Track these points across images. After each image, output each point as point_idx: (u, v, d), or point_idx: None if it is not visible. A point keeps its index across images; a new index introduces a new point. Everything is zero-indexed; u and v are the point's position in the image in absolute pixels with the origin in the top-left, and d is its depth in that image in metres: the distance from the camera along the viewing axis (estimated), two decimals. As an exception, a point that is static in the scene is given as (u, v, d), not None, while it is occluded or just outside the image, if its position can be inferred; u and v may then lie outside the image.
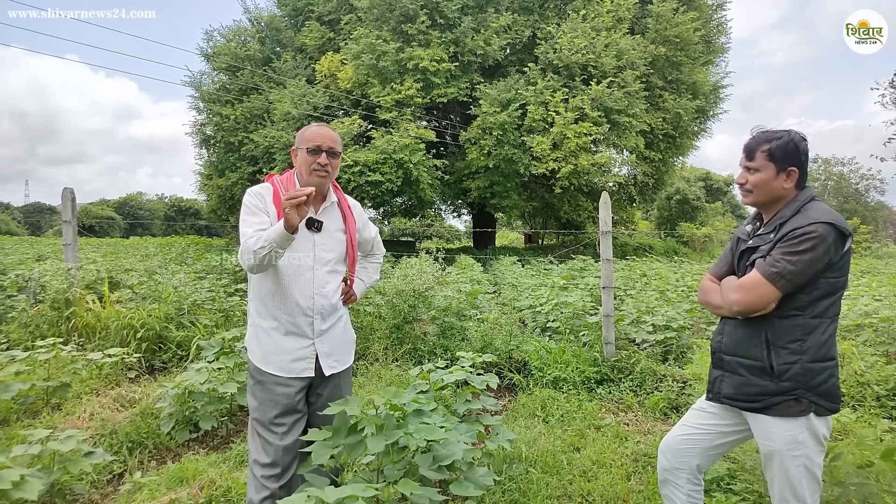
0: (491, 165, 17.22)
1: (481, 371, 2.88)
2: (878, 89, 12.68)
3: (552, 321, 5.54)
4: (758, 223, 1.84)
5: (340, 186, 2.19)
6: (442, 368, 2.81)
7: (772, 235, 1.71)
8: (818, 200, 1.73)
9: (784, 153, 1.71)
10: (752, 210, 1.91)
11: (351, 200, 2.22)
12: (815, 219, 1.63)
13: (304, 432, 2.03)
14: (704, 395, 1.95)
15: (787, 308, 1.67)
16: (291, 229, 1.76)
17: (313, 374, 2.01)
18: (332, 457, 1.79)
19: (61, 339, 3.85)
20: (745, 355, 1.75)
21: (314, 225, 1.99)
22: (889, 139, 11.88)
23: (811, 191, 1.75)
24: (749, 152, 1.77)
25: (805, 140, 1.74)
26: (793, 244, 1.63)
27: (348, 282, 2.17)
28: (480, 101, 16.88)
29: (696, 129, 20.09)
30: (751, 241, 1.80)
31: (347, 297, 2.17)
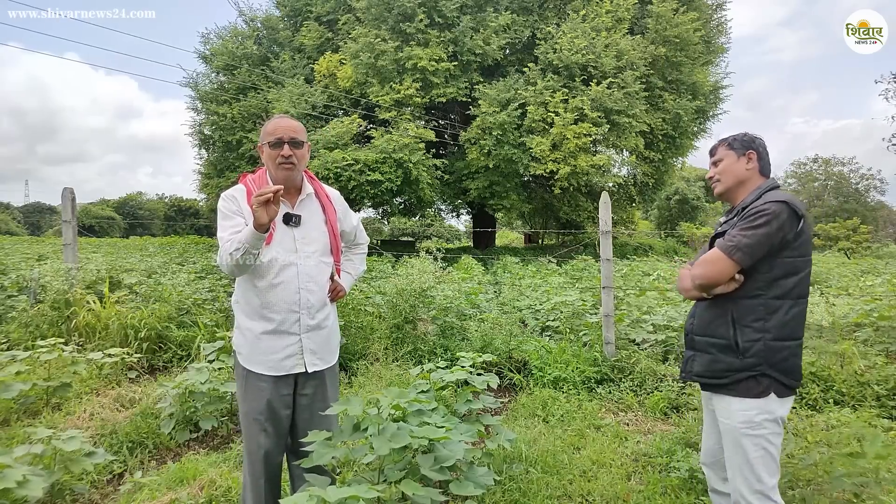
0: (490, 165, 17.22)
1: (481, 371, 2.88)
2: (882, 83, 12.53)
3: (552, 321, 5.55)
4: (730, 214, 1.98)
5: (341, 185, 2.17)
6: (442, 368, 2.81)
7: (735, 219, 1.85)
8: (780, 189, 1.86)
9: (741, 142, 1.93)
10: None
11: (329, 189, 2.17)
12: (770, 199, 1.77)
13: (292, 430, 2.04)
14: (702, 394, 2.03)
15: (750, 288, 1.78)
16: (262, 228, 1.74)
17: (304, 370, 1.98)
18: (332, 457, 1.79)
19: (62, 340, 3.84)
20: (713, 334, 1.86)
21: (292, 220, 1.96)
22: (893, 135, 11.80)
23: (774, 181, 1.91)
24: (712, 151, 2.01)
25: (760, 137, 1.95)
26: (749, 220, 1.76)
27: (334, 276, 2.12)
28: (480, 101, 16.87)
29: (695, 129, 20.11)
30: (720, 229, 1.93)
31: (335, 292, 2.12)
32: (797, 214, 1.73)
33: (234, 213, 1.94)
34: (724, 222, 1.95)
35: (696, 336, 1.92)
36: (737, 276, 1.78)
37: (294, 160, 1.94)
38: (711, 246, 1.92)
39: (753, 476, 1.76)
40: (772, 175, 1.96)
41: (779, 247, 1.73)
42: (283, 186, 1.78)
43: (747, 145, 1.91)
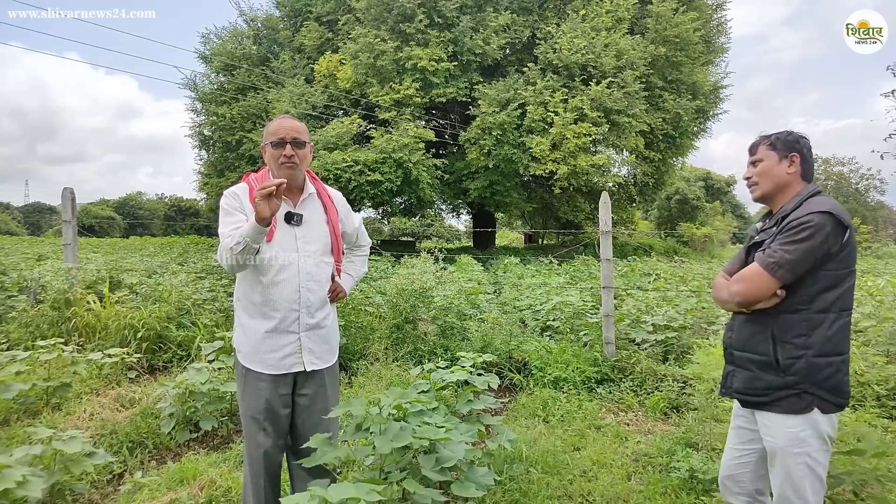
0: (490, 165, 17.21)
1: (481, 371, 2.88)
2: (892, 69, 12.03)
3: (552, 321, 5.55)
4: (767, 220, 1.88)
5: (341, 186, 2.18)
6: (443, 368, 2.81)
7: (774, 229, 1.75)
8: (823, 196, 1.74)
9: (784, 143, 1.79)
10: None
11: (332, 190, 2.18)
12: (812, 209, 1.66)
13: (292, 430, 2.04)
14: (733, 408, 1.96)
15: (791, 303, 1.69)
16: (263, 222, 1.75)
17: (303, 368, 1.99)
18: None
19: (62, 340, 3.84)
20: (753, 350, 1.77)
21: (293, 218, 1.96)
22: (891, 135, 11.66)
23: (816, 186, 1.79)
24: (752, 149, 1.87)
25: (805, 137, 1.81)
26: (790, 234, 1.66)
27: (334, 277, 2.12)
28: (479, 101, 16.86)
29: (695, 129, 20.11)
30: (757, 237, 1.84)
31: (334, 293, 2.12)
32: (842, 225, 1.63)
33: (236, 209, 1.95)
34: (762, 230, 1.85)
35: (735, 351, 1.84)
36: (779, 291, 1.70)
37: (296, 160, 1.95)
38: (747, 253, 1.85)
39: (796, 494, 1.69)
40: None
41: (822, 260, 1.64)
42: (285, 180, 1.78)
43: (790, 146, 1.78)
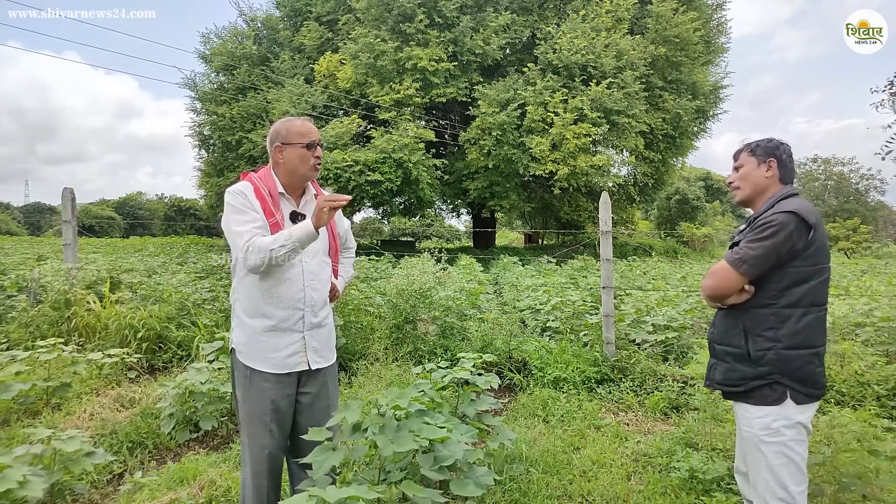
0: (490, 166, 17.22)
1: (482, 371, 2.88)
2: (877, 92, 12.37)
3: (552, 321, 5.55)
4: (747, 223, 1.97)
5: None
6: (444, 368, 2.81)
7: (747, 229, 1.85)
8: (797, 197, 1.82)
9: (764, 149, 1.90)
10: (750, 211, 2.02)
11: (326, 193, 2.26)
12: (779, 209, 1.75)
13: (293, 429, 2.04)
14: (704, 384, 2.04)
15: (761, 298, 1.78)
16: (318, 230, 1.84)
17: (308, 367, 2.00)
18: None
19: (62, 340, 3.84)
20: (729, 343, 1.86)
21: (298, 218, 1.99)
22: (887, 142, 11.71)
23: (791, 189, 1.88)
24: (735, 155, 1.99)
25: (785, 143, 1.91)
26: (755, 232, 1.76)
27: (330, 278, 2.17)
28: (479, 102, 16.87)
29: (695, 129, 20.12)
30: (736, 237, 1.94)
31: (332, 294, 2.16)
32: (807, 224, 1.70)
33: (248, 208, 1.95)
34: (741, 231, 1.93)
35: (716, 345, 1.93)
36: (747, 287, 1.78)
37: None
38: None
39: (778, 484, 1.73)
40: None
41: (788, 257, 1.72)
42: (349, 197, 1.87)
43: (769, 152, 1.88)
